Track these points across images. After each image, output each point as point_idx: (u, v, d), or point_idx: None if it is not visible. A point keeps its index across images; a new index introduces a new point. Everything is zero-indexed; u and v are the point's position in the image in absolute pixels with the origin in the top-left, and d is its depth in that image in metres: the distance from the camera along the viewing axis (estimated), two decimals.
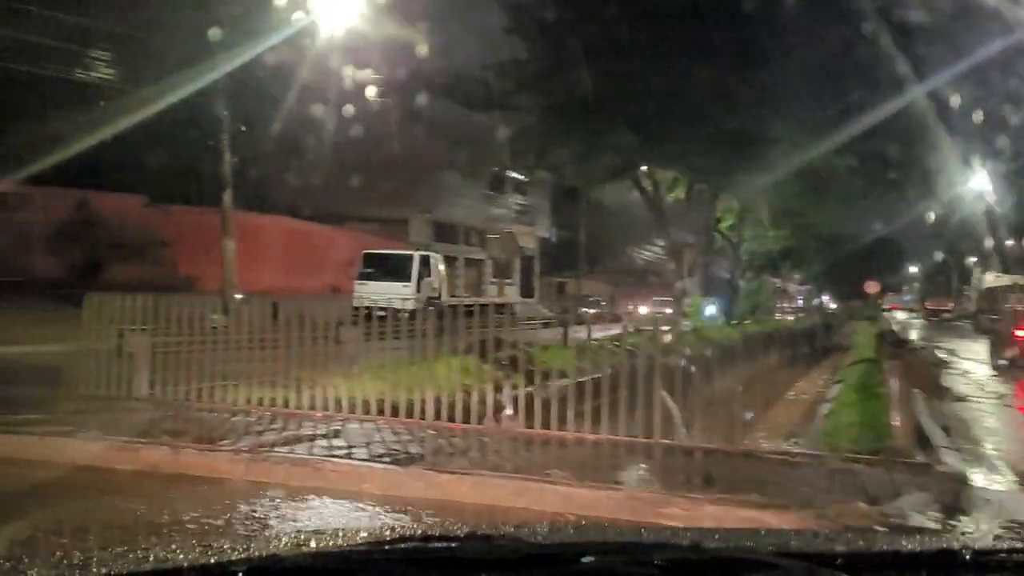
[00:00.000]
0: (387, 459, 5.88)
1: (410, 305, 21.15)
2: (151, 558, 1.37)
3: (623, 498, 4.98)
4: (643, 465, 6.28)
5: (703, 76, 19.14)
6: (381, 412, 7.64)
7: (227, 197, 20.06)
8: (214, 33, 17.94)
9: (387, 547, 1.49)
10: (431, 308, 22.34)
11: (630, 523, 4.37)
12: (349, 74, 20.31)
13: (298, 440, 6.50)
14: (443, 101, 27.79)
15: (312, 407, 7.88)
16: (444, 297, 24.05)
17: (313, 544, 1.48)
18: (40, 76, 18.93)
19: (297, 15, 17.36)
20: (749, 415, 14.58)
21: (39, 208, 20.29)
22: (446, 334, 14.55)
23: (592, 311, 32.72)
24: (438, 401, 7.66)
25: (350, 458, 5.88)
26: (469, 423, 7.41)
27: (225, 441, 6.36)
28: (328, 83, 20.22)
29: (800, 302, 57.30)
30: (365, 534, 1.61)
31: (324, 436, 6.74)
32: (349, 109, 21.95)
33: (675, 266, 30.39)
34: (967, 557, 1.48)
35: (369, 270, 22.94)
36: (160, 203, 21.35)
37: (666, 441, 6.87)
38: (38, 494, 5.60)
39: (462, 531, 1.61)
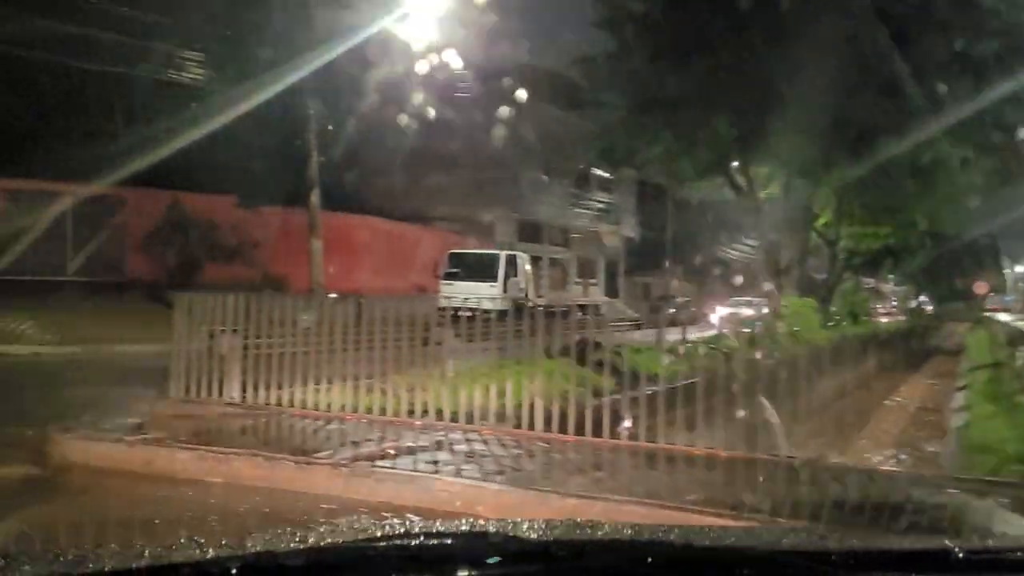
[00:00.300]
0: (501, 477, 5.29)
1: (497, 305, 20.68)
2: (146, 554, 1.34)
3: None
4: (771, 488, 5.53)
5: (806, 64, 18.08)
6: (484, 420, 7.07)
7: (314, 197, 19.96)
8: (302, 32, 17.87)
9: (384, 543, 1.46)
10: (518, 308, 21.88)
11: None
12: (434, 73, 19.96)
13: (400, 452, 5.97)
14: (529, 99, 27.32)
15: (411, 413, 7.36)
16: (531, 297, 23.49)
17: (309, 540, 1.45)
18: (133, 77, 19.17)
19: (383, 14, 17.11)
20: (854, 426, 13.62)
21: (134, 210, 20.54)
22: (537, 336, 13.91)
23: (679, 312, 31.67)
24: (547, 411, 7.03)
25: (460, 475, 5.30)
26: (583, 435, 6.76)
27: (322, 453, 5.86)
28: (413, 82, 19.90)
29: (895, 303, 54.87)
30: (361, 531, 1.56)
31: (427, 448, 6.19)
32: (434, 108, 21.64)
33: (768, 266, 29.10)
34: (960, 556, 1.46)
35: (455, 270, 22.58)
36: (250, 204, 21.35)
37: (771, 456, 6.15)
38: (114, 504, 5.23)
39: (459, 527, 1.58)
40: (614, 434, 6.69)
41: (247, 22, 18.59)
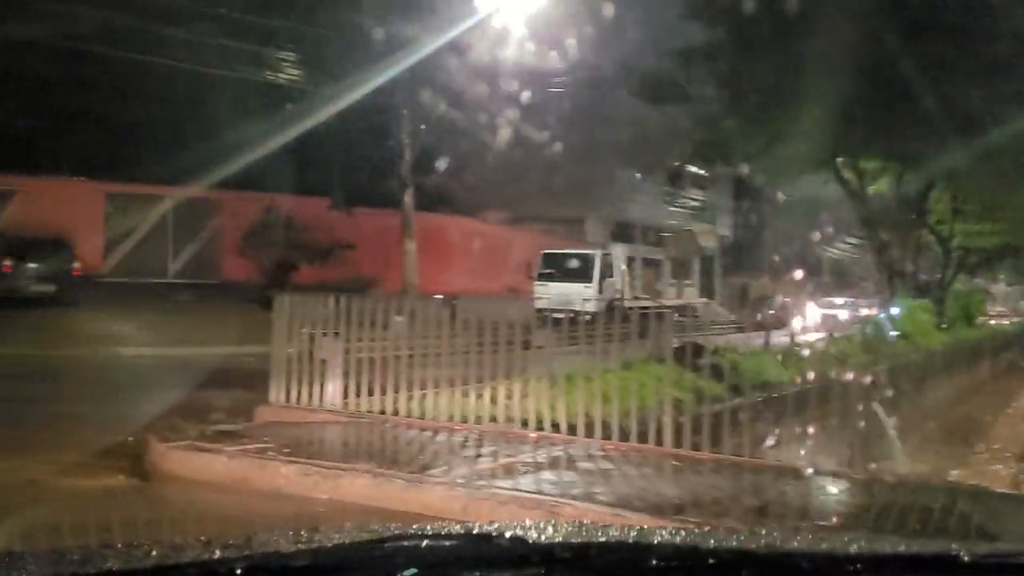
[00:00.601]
0: (639, 504, 4.63)
1: (592, 306, 20.02)
2: (152, 554, 1.33)
3: None
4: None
5: (921, 49, 16.80)
6: (607, 435, 6.42)
7: (408, 198, 19.72)
8: (394, 32, 17.63)
9: (387, 545, 1.45)
10: (614, 310, 21.16)
11: None
12: (525, 71, 19.46)
13: (519, 470, 5.38)
14: (620, 95, 26.55)
15: (524, 424, 6.78)
16: (626, 298, 22.73)
17: (313, 542, 1.44)
18: (228, 79, 19.27)
19: (475, 12, 16.70)
20: (975, 436, 12.45)
21: (230, 212, 20.71)
22: (639, 338, 13.19)
23: (781, 314, 30.26)
24: (672, 423, 6.35)
25: (592, 500, 4.66)
26: (719, 452, 6.04)
27: (435, 469, 5.32)
28: (503, 81, 19.44)
29: (1008, 304, 51.66)
30: (366, 532, 1.54)
31: (548, 465, 5.59)
32: (526, 107, 21.17)
33: (879, 265, 27.49)
34: (966, 560, 1.44)
35: (549, 270, 22.01)
36: (343, 205, 21.31)
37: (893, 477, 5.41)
38: (212, 523, 4.79)
39: (462, 530, 1.55)
40: (736, 450, 5.99)
41: (341, 22, 18.47)
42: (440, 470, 5.29)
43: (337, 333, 7.96)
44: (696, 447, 6.10)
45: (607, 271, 22.17)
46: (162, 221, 19.98)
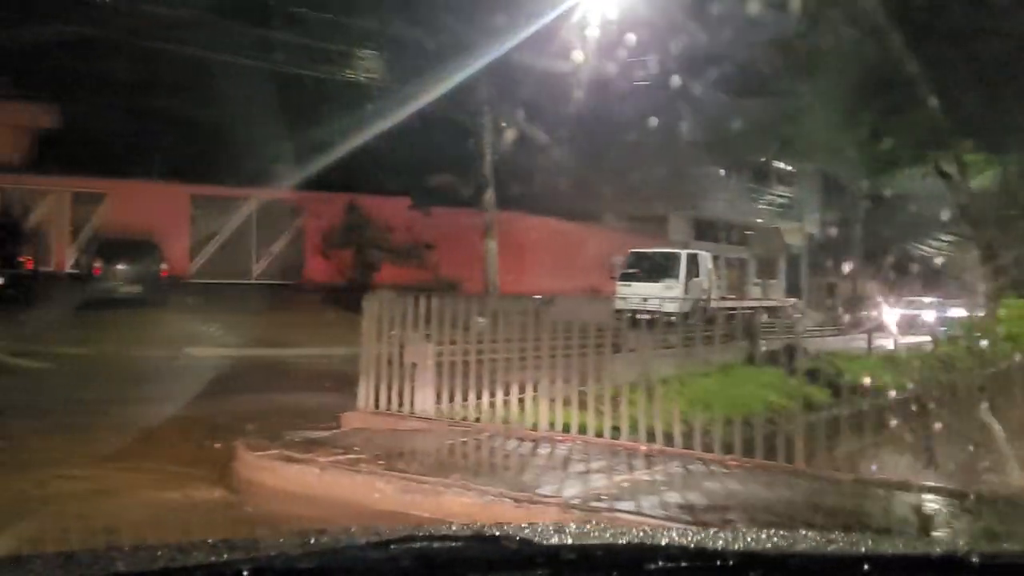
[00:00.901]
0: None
1: (678, 307, 19.28)
2: (159, 555, 1.33)
3: None
4: None
5: None
6: (729, 450, 5.82)
7: (489, 196, 19.34)
8: (474, 30, 17.31)
9: (393, 547, 1.44)
10: (701, 311, 20.37)
11: None
12: (606, 66, 18.88)
13: (639, 490, 4.84)
14: (704, 89, 25.65)
15: (634, 435, 6.24)
16: (713, 299, 21.88)
17: (320, 544, 1.44)
18: (308, 79, 19.23)
19: (554, 8, 16.23)
20: None
21: (312, 213, 20.69)
22: (731, 340, 12.56)
23: (877, 314, 28.81)
24: (787, 438, 5.72)
25: (728, 528, 4.10)
26: (852, 471, 5.38)
27: (545, 488, 4.82)
28: (583, 77, 18.88)
29: None
30: (373, 534, 1.51)
31: (670, 485, 5.03)
32: (606, 103, 20.58)
33: (983, 264, 25.92)
34: (975, 561, 1.43)
35: (633, 270, 21.31)
36: (423, 205, 21.05)
37: None
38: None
39: (467, 531, 1.53)
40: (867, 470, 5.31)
41: (421, 19, 18.22)
42: (551, 488, 4.79)
43: (428, 335, 7.56)
44: (832, 466, 5.44)
45: (694, 270, 21.35)
46: (245, 223, 20.08)
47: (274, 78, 18.50)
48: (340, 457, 5.46)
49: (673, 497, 4.72)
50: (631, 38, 18.75)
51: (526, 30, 16.80)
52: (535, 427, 6.62)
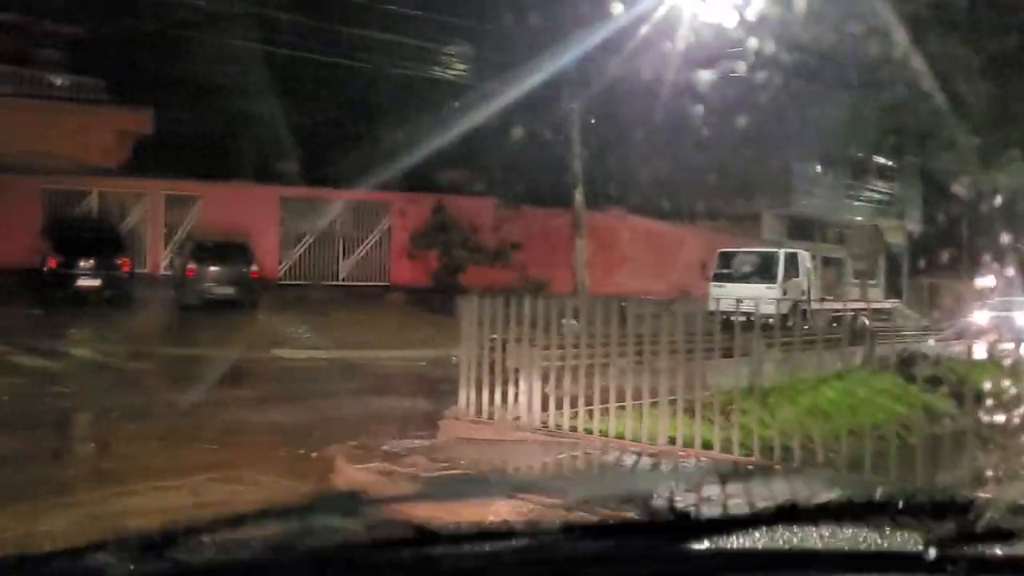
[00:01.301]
0: None
1: (776, 309, 18.34)
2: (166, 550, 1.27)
3: None
4: None
5: None
6: (858, 466, 5.15)
7: (578, 195, 18.82)
8: (561, 25, 16.85)
9: (395, 547, 1.37)
10: (800, 312, 19.37)
11: None
12: (696, 61, 18.12)
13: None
14: (797, 81, 24.54)
15: (767, 452, 5.62)
16: (813, 300, 20.82)
17: (325, 542, 1.39)
18: (397, 78, 19.08)
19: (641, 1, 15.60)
20: None
21: (398, 213, 20.53)
22: (843, 344, 11.75)
23: (978, 316, 27.02)
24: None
25: None
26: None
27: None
28: (674, 71, 18.15)
29: None
30: (376, 532, 1.42)
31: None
32: (696, 98, 19.78)
33: None
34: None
35: (726, 270, 20.44)
36: (510, 204, 20.65)
37: None
38: None
39: (473, 530, 1.42)
40: None
41: (508, 15, 17.84)
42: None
43: (530, 339, 7.08)
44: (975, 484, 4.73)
45: (792, 270, 20.35)
46: (333, 224, 20.05)
47: (362, 78, 18.42)
48: (444, 473, 5.02)
49: None
50: (725, 28, 17.98)
51: (616, 22, 16.26)
52: (652, 440, 6.06)
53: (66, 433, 7.25)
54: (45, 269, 15.38)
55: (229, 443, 7.08)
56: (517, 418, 6.70)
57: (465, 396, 6.96)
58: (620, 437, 6.23)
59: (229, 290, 15.85)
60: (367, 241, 20.41)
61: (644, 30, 16.63)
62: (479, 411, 6.91)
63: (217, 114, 18.67)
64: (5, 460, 5.90)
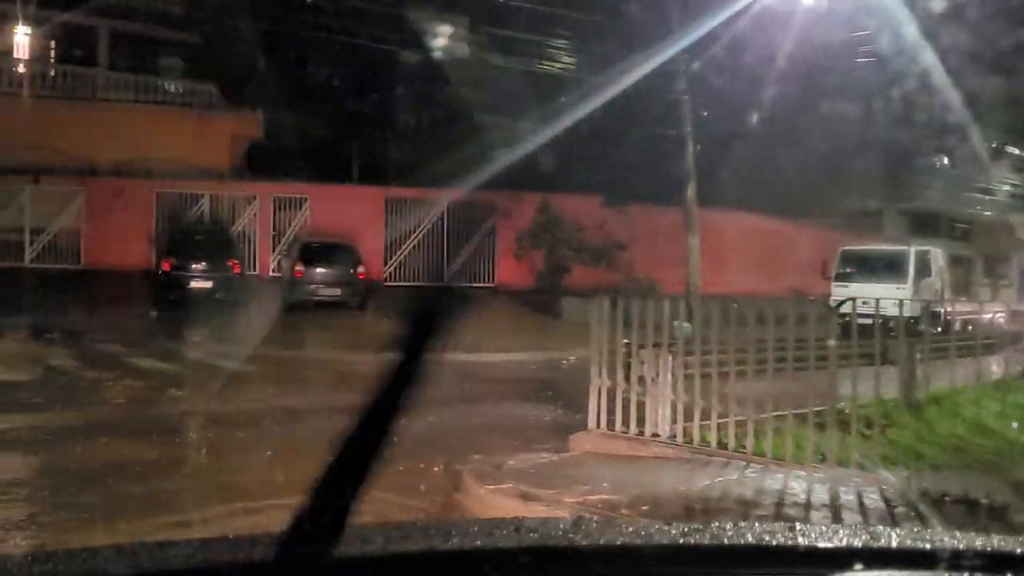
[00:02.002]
0: None
1: (907, 311, 17.02)
2: (176, 552, 1.25)
3: None
4: None
5: None
6: None
7: (691, 191, 17.97)
8: (672, 15, 16.13)
9: (405, 541, 1.36)
10: (933, 315, 17.98)
11: None
12: (814, 51, 17.03)
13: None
14: (921, 70, 22.98)
15: (932, 473, 4.85)
16: (945, 301, 19.31)
17: (334, 538, 1.32)
18: (499, 75, 18.69)
19: None
20: None
21: (503, 212, 20.12)
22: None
23: None
24: None
25: None
26: None
27: None
28: (791, 62, 17.10)
29: None
30: (384, 529, 1.41)
31: None
32: (813, 89, 18.69)
33: None
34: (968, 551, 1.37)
35: (849, 269, 19.21)
36: (616, 202, 19.95)
37: None
38: None
39: (481, 528, 1.42)
40: None
41: (614, 6, 17.20)
42: None
43: (671, 345, 6.47)
44: None
45: (924, 270, 18.94)
46: (437, 224, 19.82)
47: (466, 74, 18.11)
48: (590, 497, 4.45)
49: None
50: (842, 20, 16.90)
51: (728, 11, 15.42)
52: (799, 459, 5.34)
53: (184, 441, 7.05)
54: (160, 271, 15.66)
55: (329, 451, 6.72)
56: (655, 435, 6.08)
57: (595, 406, 6.39)
58: (760, 455, 5.54)
59: (336, 291, 15.77)
60: (472, 241, 20.09)
61: (761, 17, 15.77)
62: (611, 423, 6.33)
63: (325, 116, 18.73)
64: (122, 471, 5.67)
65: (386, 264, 19.41)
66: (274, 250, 19.10)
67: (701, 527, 1.49)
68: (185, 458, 6.41)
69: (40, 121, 18.23)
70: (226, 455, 6.31)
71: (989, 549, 1.39)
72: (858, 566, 1.36)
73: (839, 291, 18.61)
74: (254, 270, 18.47)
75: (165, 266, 15.42)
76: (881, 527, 1.48)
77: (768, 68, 17.39)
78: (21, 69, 19.56)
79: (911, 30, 19.86)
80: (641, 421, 6.24)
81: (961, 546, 1.40)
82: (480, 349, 13.26)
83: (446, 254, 19.94)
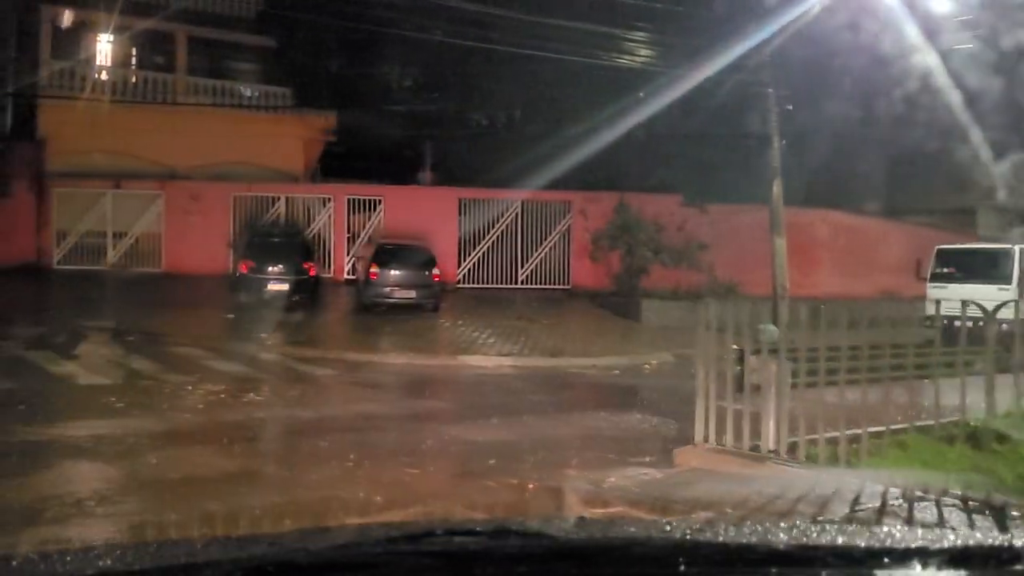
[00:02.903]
0: None
1: (1011, 314, 15.92)
2: (180, 550, 1.31)
3: None
4: None
5: None
6: None
7: (776, 188, 17.17)
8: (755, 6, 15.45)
9: (414, 541, 1.41)
10: None
11: None
12: (908, 40, 16.04)
13: None
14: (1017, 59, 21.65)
15: None
16: None
17: (341, 538, 1.46)
18: (574, 72, 18.23)
19: None
20: None
21: (578, 213, 19.65)
22: None
23: None
24: None
25: None
26: None
27: None
28: (883, 53, 16.16)
29: None
30: (392, 529, 1.48)
31: None
32: (904, 81, 17.67)
33: None
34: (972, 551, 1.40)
35: (946, 269, 18.14)
36: (696, 201, 19.27)
37: None
38: None
39: (490, 525, 1.48)
40: None
41: None
42: None
43: (778, 350, 5.91)
44: None
45: None
46: (511, 225, 19.44)
47: (544, 70, 17.69)
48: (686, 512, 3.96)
49: None
50: (937, 9, 15.93)
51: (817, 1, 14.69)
52: (924, 481, 4.73)
53: (262, 449, 6.78)
54: (237, 274, 15.68)
55: (430, 465, 6.36)
56: (773, 451, 5.54)
57: (703, 418, 5.87)
58: (895, 474, 4.96)
59: (411, 293, 15.52)
60: (547, 242, 19.66)
61: (845, 4, 15.00)
62: (720, 437, 5.80)
63: (397, 116, 18.58)
64: (204, 482, 5.40)
65: (459, 266, 19.12)
66: (348, 252, 19.01)
67: (703, 527, 1.51)
68: (260, 469, 6.13)
69: (122, 126, 18.51)
70: (300, 466, 6.00)
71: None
72: (860, 565, 1.35)
73: (935, 292, 17.60)
74: (329, 272, 18.40)
75: (243, 269, 15.42)
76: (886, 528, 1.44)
77: (856, 59, 16.56)
78: (104, 76, 19.92)
79: (1010, 20, 18.70)
80: (754, 435, 5.71)
81: (960, 543, 1.40)
82: (562, 354, 12.82)
83: (520, 256, 19.54)
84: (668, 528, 1.54)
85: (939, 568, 1.38)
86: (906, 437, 6.03)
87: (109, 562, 1.28)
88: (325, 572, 1.33)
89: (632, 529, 1.52)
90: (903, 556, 1.40)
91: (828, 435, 5.63)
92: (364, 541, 1.43)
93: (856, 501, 4.40)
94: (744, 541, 1.43)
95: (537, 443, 6.89)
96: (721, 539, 1.45)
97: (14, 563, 1.27)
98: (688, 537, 1.49)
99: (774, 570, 1.37)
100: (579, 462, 6.24)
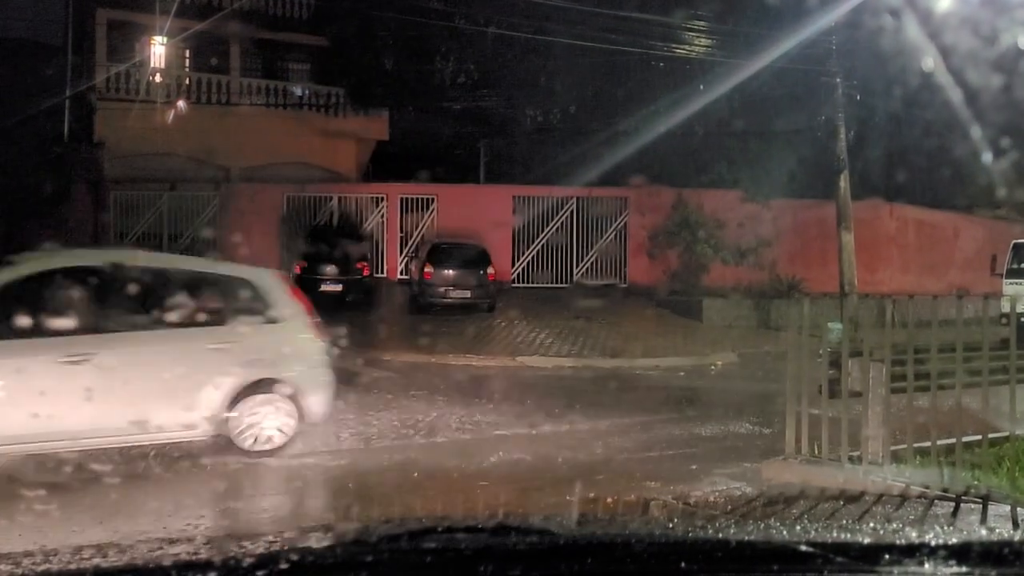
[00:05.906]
0: None
1: None
2: (180, 551, 1.31)
3: None
4: None
5: None
6: None
7: (843, 182, 16.48)
8: None
9: (415, 539, 1.41)
10: None
11: None
12: (979, 26, 15.23)
13: None
14: None
15: None
16: None
17: (344, 535, 1.45)
18: (626, 64, 17.76)
19: None
20: None
21: (635, 209, 19.14)
22: None
23: None
24: None
25: None
26: None
27: None
28: (953, 39, 15.37)
29: None
30: (393, 526, 1.50)
31: None
32: (980, 68, 16.79)
33: None
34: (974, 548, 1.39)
35: (1023, 265, 17.25)
36: (759, 197, 18.61)
37: None
38: None
39: (491, 522, 1.48)
40: None
41: None
42: None
43: (877, 354, 5.41)
44: None
45: None
46: (567, 222, 19.01)
47: (601, 63, 17.25)
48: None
49: None
50: None
51: None
52: None
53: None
54: (291, 275, 15.54)
55: (495, 476, 5.99)
56: (874, 462, 5.05)
57: (794, 428, 5.39)
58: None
59: (466, 293, 15.23)
60: (603, 239, 19.19)
61: None
62: (815, 448, 5.33)
63: (450, 114, 18.32)
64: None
65: (514, 264, 18.76)
66: (402, 252, 18.79)
67: (703, 525, 1.49)
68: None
69: (176, 128, 18.57)
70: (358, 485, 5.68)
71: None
72: (861, 561, 1.34)
73: (1012, 289, 16.78)
74: (382, 272, 18.20)
75: (297, 269, 15.30)
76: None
77: (927, 46, 15.77)
78: (158, 79, 20.02)
79: None
80: (853, 446, 5.22)
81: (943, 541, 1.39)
82: (624, 354, 12.39)
83: (576, 253, 19.11)
84: (669, 525, 1.54)
85: (941, 564, 1.35)
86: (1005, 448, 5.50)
87: (98, 563, 1.26)
88: (327, 569, 1.31)
89: (633, 526, 1.53)
90: (905, 552, 1.38)
91: (917, 445, 5.15)
92: (366, 539, 1.42)
93: (996, 535, 3.91)
94: (745, 538, 1.43)
95: (611, 449, 6.49)
96: (722, 536, 1.45)
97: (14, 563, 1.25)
98: (689, 534, 1.49)
99: (776, 567, 1.36)
100: (656, 472, 5.83)
